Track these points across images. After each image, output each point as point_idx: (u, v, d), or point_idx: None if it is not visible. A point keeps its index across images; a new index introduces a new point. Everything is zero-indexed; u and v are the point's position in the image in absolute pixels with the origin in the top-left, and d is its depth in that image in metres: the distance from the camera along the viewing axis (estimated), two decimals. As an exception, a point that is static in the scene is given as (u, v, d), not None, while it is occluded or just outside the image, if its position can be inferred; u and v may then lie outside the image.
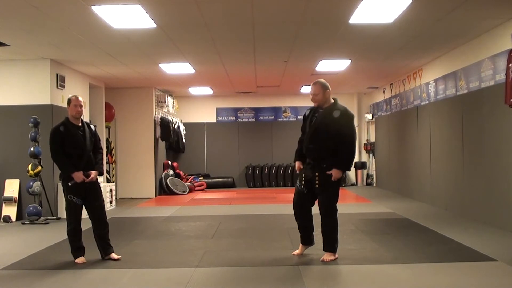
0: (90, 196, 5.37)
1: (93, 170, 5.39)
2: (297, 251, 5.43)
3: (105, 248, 5.41)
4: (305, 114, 5.40)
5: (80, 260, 5.23)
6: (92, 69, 9.77)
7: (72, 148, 5.28)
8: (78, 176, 5.23)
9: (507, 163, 6.61)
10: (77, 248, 5.29)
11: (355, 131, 5.20)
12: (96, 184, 5.45)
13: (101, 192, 5.57)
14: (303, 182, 5.24)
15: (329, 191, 5.11)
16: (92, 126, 5.63)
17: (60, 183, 5.38)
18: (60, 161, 5.28)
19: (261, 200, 11.04)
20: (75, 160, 5.27)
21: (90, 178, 5.32)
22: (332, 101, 5.25)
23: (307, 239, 5.40)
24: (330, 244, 5.15)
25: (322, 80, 5.26)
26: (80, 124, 5.39)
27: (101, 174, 5.54)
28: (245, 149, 15.13)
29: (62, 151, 5.25)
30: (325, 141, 5.09)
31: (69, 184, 5.24)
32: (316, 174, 5.13)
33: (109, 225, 5.49)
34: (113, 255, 5.41)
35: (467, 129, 7.86)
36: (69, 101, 5.38)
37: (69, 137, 5.28)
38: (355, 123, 5.50)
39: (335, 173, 5.04)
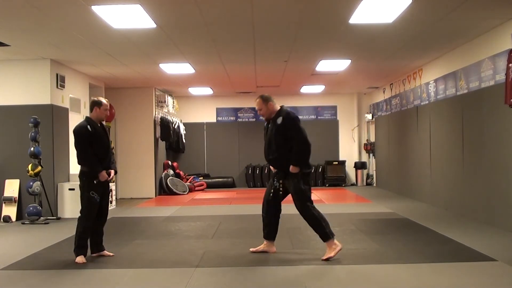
0: (105, 194, 5.47)
1: (111, 170, 5.50)
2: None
3: (99, 244, 5.46)
4: (264, 126, 5.62)
5: (81, 259, 5.23)
6: (92, 69, 9.77)
7: (101, 148, 5.36)
8: (104, 175, 5.30)
9: (507, 163, 6.61)
10: (83, 247, 5.29)
11: (301, 130, 5.22)
12: (109, 183, 5.55)
13: (109, 192, 5.67)
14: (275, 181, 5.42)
15: (297, 193, 5.22)
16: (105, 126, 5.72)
17: (82, 180, 5.36)
18: (90, 160, 5.29)
19: (261, 200, 10.96)
20: (100, 158, 5.33)
21: (111, 177, 5.44)
22: (278, 108, 5.40)
23: (267, 234, 5.48)
24: (322, 233, 5.19)
25: (264, 95, 5.44)
26: (99, 125, 5.47)
27: (116, 172, 5.62)
28: (245, 149, 15.12)
29: (90, 150, 5.28)
30: (279, 150, 5.26)
31: (95, 182, 5.28)
32: (280, 181, 5.34)
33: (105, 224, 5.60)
34: (106, 252, 5.47)
35: (467, 129, 7.86)
36: (100, 104, 5.42)
37: (97, 137, 5.34)
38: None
39: (291, 168, 5.19)
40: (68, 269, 4.99)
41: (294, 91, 14.13)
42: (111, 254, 5.47)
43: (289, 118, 5.24)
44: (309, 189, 5.30)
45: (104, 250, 5.48)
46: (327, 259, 5.06)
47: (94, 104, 5.44)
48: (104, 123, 5.65)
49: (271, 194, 5.41)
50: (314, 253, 5.33)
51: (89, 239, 5.40)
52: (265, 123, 5.57)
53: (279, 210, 5.48)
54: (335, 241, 5.17)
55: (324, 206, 9.91)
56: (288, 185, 5.28)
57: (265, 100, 5.39)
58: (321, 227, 5.18)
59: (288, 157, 5.21)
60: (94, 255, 5.42)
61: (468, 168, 7.85)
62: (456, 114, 8.26)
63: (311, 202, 5.26)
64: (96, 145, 5.32)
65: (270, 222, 5.47)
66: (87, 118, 5.48)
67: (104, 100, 5.48)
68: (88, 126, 5.31)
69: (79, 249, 5.27)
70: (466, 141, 7.91)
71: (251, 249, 5.57)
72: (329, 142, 15.17)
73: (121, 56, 8.64)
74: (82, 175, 5.36)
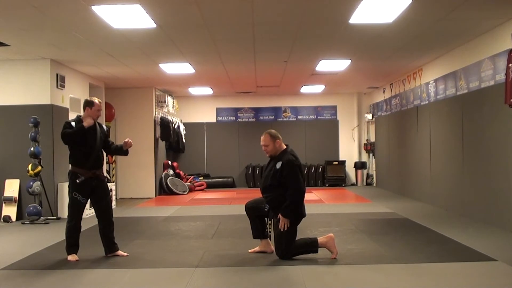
0: (96, 195, 5.45)
1: (101, 168, 5.54)
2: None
3: (109, 246, 5.48)
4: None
5: (73, 257, 5.31)
6: (92, 69, 9.77)
7: (82, 145, 5.36)
8: (88, 121, 5.30)
9: (507, 162, 6.61)
10: (72, 245, 5.36)
11: (298, 180, 5.14)
12: (103, 183, 5.53)
13: (108, 191, 5.64)
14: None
15: (281, 237, 5.16)
16: (104, 126, 5.73)
17: (69, 180, 5.44)
18: (68, 132, 5.29)
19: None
20: (83, 157, 5.35)
21: (129, 143, 5.55)
22: (284, 147, 5.34)
23: (256, 234, 5.51)
24: (311, 251, 5.22)
25: (272, 131, 5.37)
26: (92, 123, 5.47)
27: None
28: (245, 149, 15.12)
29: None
30: (274, 191, 5.22)
31: (77, 181, 5.31)
32: (270, 221, 5.34)
33: (114, 223, 5.57)
34: (120, 252, 5.49)
35: (467, 129, 7.86)
36: (92, 103, 5.46)
37: (82, 135, 5.35)
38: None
39: (281, 221, 5.14)
40: (68, 269, 4.99)
41: (294, 91, 14.13)
42: (125, 254, 5.48)
43: (289, 166, 5.14)
44: (293, 236, 5.21)
45: (118, 250, 5.50)
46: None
47: (86, 105, 5.50)
48: (103, 123, 5.68)
49: (259, 212, 5.41)
50: (315, 254, 5.32)
51: (102, 242, 5.47)
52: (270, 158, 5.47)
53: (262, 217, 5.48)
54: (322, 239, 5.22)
55: (324, 206, 9.92)
56: (275, 227, 5.24)
57: (273, 137, 5.31)
58: (305, 248, 5.22)
59: (281, 200, 5.16)
60: (109, 255, 5.46)
61: (468, 168, 7.85)
62: (456, 114, 8.26)
63: (291, 247, 5.20)
64: (77, 142, 5.34)
65: (255, 223, 5.48)
66: (77, 116, 5.56)
67: (96, 101, 5.50)
68: (73, 123, 5.37)
69: (68, 248, 5.37)
70: (466, 141, 7.91)
71: (249, 250, 5.58)
72: (329, 142, 15.17)
73: (121, 56, 8.64)
74: (68, 174, 5.46)
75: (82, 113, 5.56)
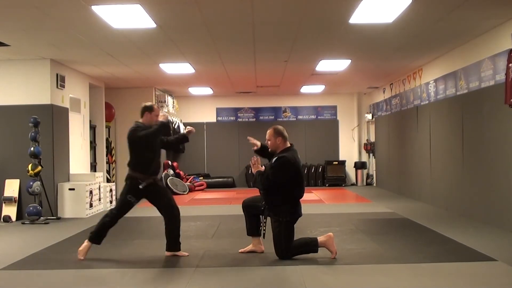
0: (153, 196, 5.45)
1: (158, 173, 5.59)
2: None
3: (171, 244, 5.39)
4: None
5: (84, 247, 5.24)
6: (92, 69, 9.77)
7: (150, 151, 5.38)
8: (162, 116, 5.39)
9: (507, 163, 6.61)
10: (99, 235, 5.30)
11: (276, 175, 5.11)
12: (156, 186, 5.48)
13: (166, 190, 5.67)
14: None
15: (280, 237, 5.16)
16: None
17: (127, 184, 5.41)
18: (150, 131, 5.30)
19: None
20: (146, 163, 5.35)
21: (192, 131, 5.63)
22: (287, 145, 5.36)
23: (251, 230, 5.52)
24: (310, 251, 5.22)
25: (278, 128, 5.39)
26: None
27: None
28: (245, 149, 15.07)
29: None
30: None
31: (140, 187, 5.29)
32: (265, 219, 5.35)
33: (180, 221, 5.47)
34: (180, 253, 5.41)
35: (467, 129, 7.86)
36: (152, 108, 5.50)
37: (148, 140, 5.36)
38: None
39: (257, 166, 5.24)
40: (68, 269, 4.99)
41: (294, 91, 14.13)
42: (186, 254, 5.41)
43: (279, 161, 5.16)
44: (291, 235, 5.19)
45: (179, 250, 5.42)
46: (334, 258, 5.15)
47: (145, 110, 5.51)
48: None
49: (256, 210, 5.41)
50: (315, 254, 5.32)
51: (165, 237, 5.41)
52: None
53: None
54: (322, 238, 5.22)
55: (324, 206, 9.92)
56: (274, 227, 5.24)
57: (276, 133, 5.33)
58: (305, 248, 5.21)
59: (276, 198, 5.17)
60: (167, 254, 5.40)
61: (468, 168, 7.85)
62: (456, 114, 8.26)
63: (291, 246, 5.19)
64: (145, 148, 5.36)
65: (251, 220, 5.50)
66: (137, 123, 5.48)
67: (155, 106, 5.57)
68: (138, 128, 5.35)
69: (95, 236, 5.29)
70: (466, 141, 7.91)
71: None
72: (329, 142, 15.17)
73: (121, 56, 8.64)
74: (127, 179, 5.41)
75: (141, 119, 5.53)
